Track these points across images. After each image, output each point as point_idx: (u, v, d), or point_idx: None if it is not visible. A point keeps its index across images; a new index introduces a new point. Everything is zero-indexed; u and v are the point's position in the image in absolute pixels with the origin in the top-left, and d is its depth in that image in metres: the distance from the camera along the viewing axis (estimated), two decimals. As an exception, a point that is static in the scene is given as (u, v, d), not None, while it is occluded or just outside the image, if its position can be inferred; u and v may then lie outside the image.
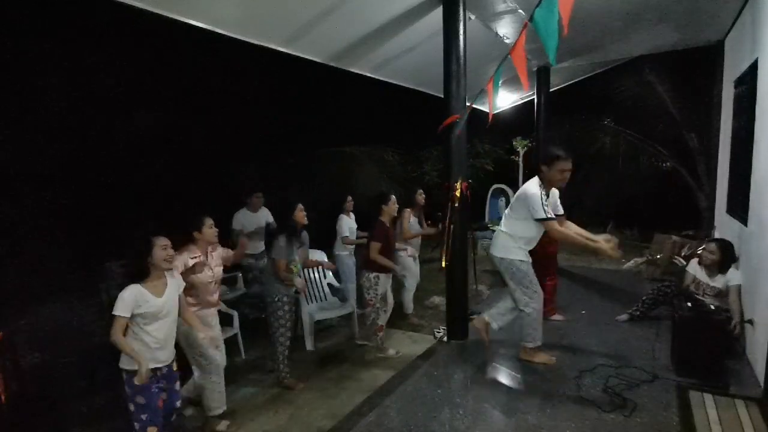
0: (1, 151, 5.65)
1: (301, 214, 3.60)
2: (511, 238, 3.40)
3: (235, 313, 4.15)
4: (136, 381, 2.27)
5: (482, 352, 3.78)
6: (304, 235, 3.80)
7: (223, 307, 4.20)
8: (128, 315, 2.29)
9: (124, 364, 2.36)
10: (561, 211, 3.47)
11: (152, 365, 2.37)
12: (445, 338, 4.16)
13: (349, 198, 5.21)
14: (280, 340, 3.55)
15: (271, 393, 3.50)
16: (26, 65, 6.01)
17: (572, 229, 3.39)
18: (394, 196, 4.10)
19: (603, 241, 3.18)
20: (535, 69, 6.50)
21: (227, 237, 4.97)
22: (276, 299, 3.53)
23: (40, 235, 5.77)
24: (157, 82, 7.32)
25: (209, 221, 3.05)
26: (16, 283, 4.86)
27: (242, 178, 7.48)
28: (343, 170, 8.82)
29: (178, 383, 2.58)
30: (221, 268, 3.19)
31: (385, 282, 4.05)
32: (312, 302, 4.53)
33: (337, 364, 3.95)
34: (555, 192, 3.45)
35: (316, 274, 4.73)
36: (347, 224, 5.05)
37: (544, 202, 3.17)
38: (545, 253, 4.12)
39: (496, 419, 2.84)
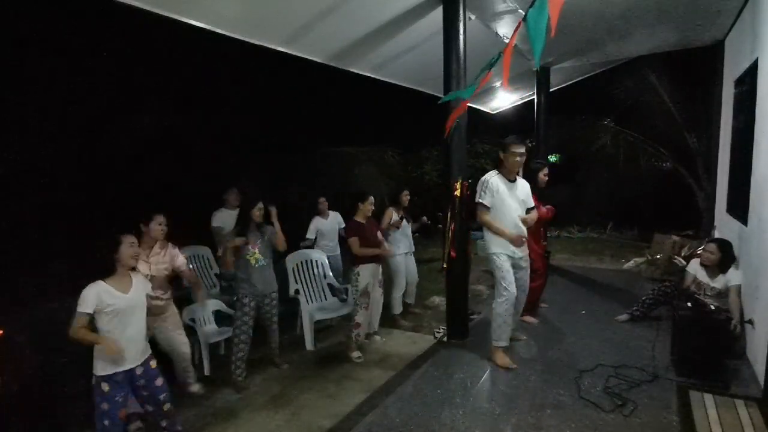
0: (2, 151, 5.65)
1: (257, 213, 3.65)
2: (486, 232, 3.58)
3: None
4: (106, 353, 2.28)
5: (482, 352, 3.77)
6: (268, 229, 3.78)
7: (223, 308, 4.21)
8: (90, 311, 2.29)
9: (97, 370, 2.37)
10: (531, 205, 3.70)
11: (126, 366, 2.40)
12: (445, 338, 4.16)
13: (322, 199, 5.21)
14: (236, 343, 3.60)
15: (271, 393, 3.50)
16: (26, 65, 6.01)
17: (529, 216, 3.61)
18: (371, 197, 4.15)
19: (510, 233, 3.47)
20: (535, 69, 6.50)
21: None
22: (237, 301, 3.63)
23: (42, 235, 5.77)
24: (156, 82, 7.32)
25: (159, 218, 3.21)
26: (17, 283, 4.86)
27: (241, 178, 7.47)
28: (343, 170, 8.83)
29: (159, 379, 2.57)
30: (166, 267, 3.26)
31: (367, 276, 4.02)
32: (312, 302, 4.54)
33: (336, 364, 3.94)
34: (526, 185, 3.70)
35: (316, 274, 4.73)
36: (315, 225, 5.10)
37: (484, 188, 3.48)
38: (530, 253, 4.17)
39: (496, 419, 2.84)
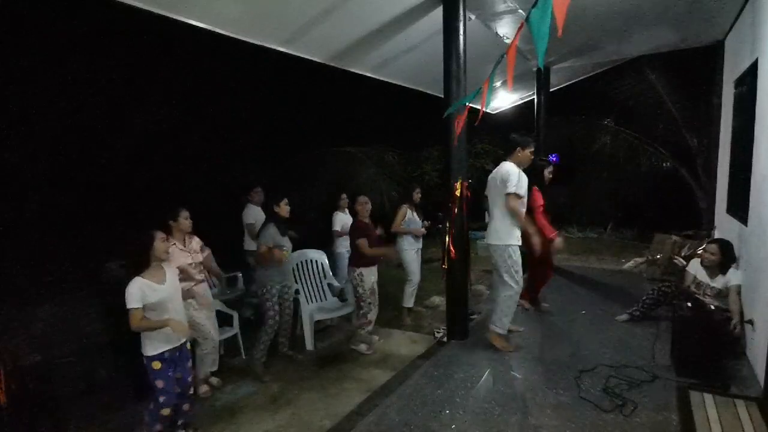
0: (2, 151, 5.65)
1: (285, 208, 3.82)
2: (502, 224, 3.62)
3: (236, 314, 4.16)
4: (177, 331, 2.56)
5: (482, 352, 3.78)
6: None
7: (224, 308, 4.21)
8: (139, 305, 2.48)
9: (147, 351, 2.58)
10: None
11: (169, 346, 2.63)
12: (445, 338, 4.16)
13: (343, 196, 5.29)
14: (266, 330, 3.77)
15: (271, 393, 3.50)
16: (26, 65, 6.01)
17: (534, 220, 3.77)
18: (362, 197, 4.21)
19: (535, 235, 3.69)
20: (535, 69, 6.50)
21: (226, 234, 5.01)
22: (265, 290, 3.75)
23: (41, 235, 5.77)
24: (157, 82, 7.32)
25: (185, 213, 3.37)
26: (17, 282, 4.86)
27: (242, 179, 7.47)
28: (343, 170, 8.82)
29: (189, 361, 2.82)
30: (200, 254, 3.50)
31: (369, 276, 4.09)
32: (312, 302, 4.54)
33: (337, 364, 3.95)
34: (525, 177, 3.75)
35: (316, 274, 4.73)
36: (340, 220, 5.16)
37: (519, 179, 3.54)
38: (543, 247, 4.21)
39: (496, 419, 2.84)
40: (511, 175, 3.54)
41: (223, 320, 4.19)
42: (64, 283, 5.14)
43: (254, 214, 5.02)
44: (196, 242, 3.53)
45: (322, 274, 4.76)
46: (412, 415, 2.90)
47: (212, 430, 3.05)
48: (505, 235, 3.62)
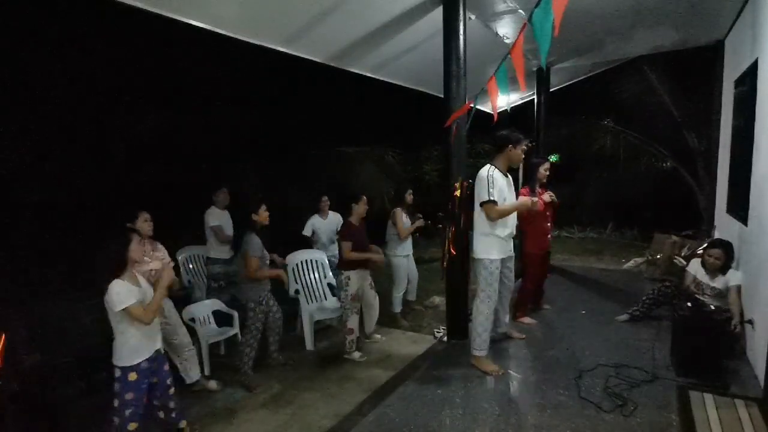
0: (1, 150, 5.65)
1: (264, 215, 3.64)
2: (478, 235, 3.44)
3: (235, 314, 4.15)
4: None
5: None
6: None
7: (224, 308, 4.21)
8: (135, 299, 2.41)
9: (119, 361, 2.47)
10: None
11: (149, 354, 2.54)
12: (445, 338, 4.16)
13: (324, 198, 5.14)
14: (248, 342, 3.64)
15: (271, 393, 3.50)
16: (26, 65, 6.01)
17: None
18: (364, 197, 4.08)
19: (523, 203, 3.44)
20: (535, 69, 6.50)
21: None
22: (247, 303, 3.62)
23: (40, 235, 5.77)
24: (156, 82, 7.31)
25: (144, 215, 3.21)
26: (16, 283, 4.86)
27: (241, 179, 7.47)
28: (343, 170, 8.82)
29: (166, 364, 2.74)
30: (158, 263, 3.26)
31: (357, 281, 4.01)
32: (312, 302, 4.54)
33: (337, 364, 3.95)
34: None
35: (316, 274, 4.73)
36: (312, 224, 5.05)
37: (490, 184, 3.26)
38: (532, 253, 4.27)
39: (496, 419, 2.84)
40: (481, 180, 3.31)
41: (223, 320, 4.20)
42: (63, 283, 5.14)
43: (218, 216, 4.75)
44: (161, 250, 3.33)
45: (322, 274, 4.76)
46: (412, 415, 2.90)
47: (212, 430, 3.06)
48: (480, 249, 3.42)
